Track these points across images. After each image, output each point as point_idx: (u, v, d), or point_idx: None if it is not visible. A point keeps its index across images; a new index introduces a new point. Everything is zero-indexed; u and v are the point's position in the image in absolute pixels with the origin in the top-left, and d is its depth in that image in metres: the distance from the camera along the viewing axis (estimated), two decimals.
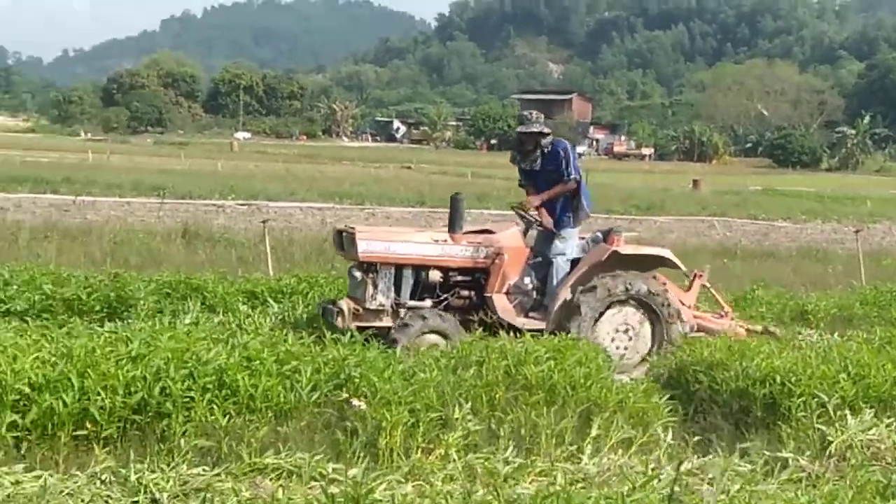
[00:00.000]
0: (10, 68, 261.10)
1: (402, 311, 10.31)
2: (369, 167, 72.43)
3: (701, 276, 11.62)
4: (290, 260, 16.98)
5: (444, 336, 9.90)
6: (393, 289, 10.41)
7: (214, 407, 6.83)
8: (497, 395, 7.70)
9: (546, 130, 10.92)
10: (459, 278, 10.68)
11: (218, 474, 6.11)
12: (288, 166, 67.27)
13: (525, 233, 11.07)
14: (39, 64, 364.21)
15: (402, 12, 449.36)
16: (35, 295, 10.74)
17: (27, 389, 6.47)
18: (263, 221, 18.11)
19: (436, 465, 6.56)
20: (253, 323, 10.44)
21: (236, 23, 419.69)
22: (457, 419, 7.13)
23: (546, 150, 10.89)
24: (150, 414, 6.70)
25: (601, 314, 10.43)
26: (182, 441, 6.49)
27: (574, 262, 10.84)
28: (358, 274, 10.38)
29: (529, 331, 10.10)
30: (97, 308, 10.85)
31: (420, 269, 10.51)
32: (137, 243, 17.74)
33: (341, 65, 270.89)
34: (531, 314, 10.63)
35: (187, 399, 6.79)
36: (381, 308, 10.34)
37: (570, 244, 10.92)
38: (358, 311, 10.21)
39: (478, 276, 10.69)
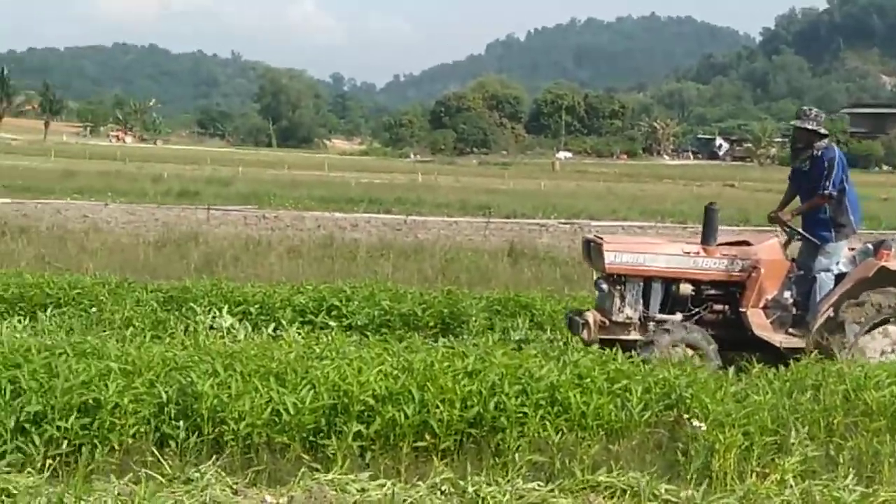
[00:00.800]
0: (345, 94, 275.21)
1: (651, 325, 10.07)
2: (691, 185, 71.35)
3: None
4: None
5: (697, 351, 9.57)
6: (641, 301, 10.18)
7: (547, 423, 6.93)
8: (835, 421, 7.40)
9: (822, 132, 10.35)
10: (712, 292, 10.29)
11: (552, 490, 6.21)
12: (609, 185, 67.40)
13: (785, 245, 10.57)
14: (373, 89, 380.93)
15: (726, 27, 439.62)
16: (374, 310, 11.25)
17: (371, 401, 6.79)
18: None
19: (772, 490, 6.38)
20: (581, 340, 10.53)
21: (558, 44, 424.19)
22: (793, 444, 6.93)
23: (816, 154, 10.34)
24: (485, 428, 6.88)
25: (868, 332, 9.79)
26: (516, 455, 6.61)
27: (840, 277, 10.21)
28: (605, 286, 10.19)
29: (787, 349, 9.72)
30: (431, 323, 11.23)
31: (670, 281, 10.21)
32: (466, 261, 18.22)
33: (662, 82, 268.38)
34: (790, 331, 10.08)
35: (521, 414, 6.92)
36: (628, 321, 10.13)
37: (834, 259, 10.28)
38: (604, 323, 10.05)
39: (732, 290, 10.26)
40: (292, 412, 6.59)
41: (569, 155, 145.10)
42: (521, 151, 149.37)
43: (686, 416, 7.11)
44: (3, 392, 6.42)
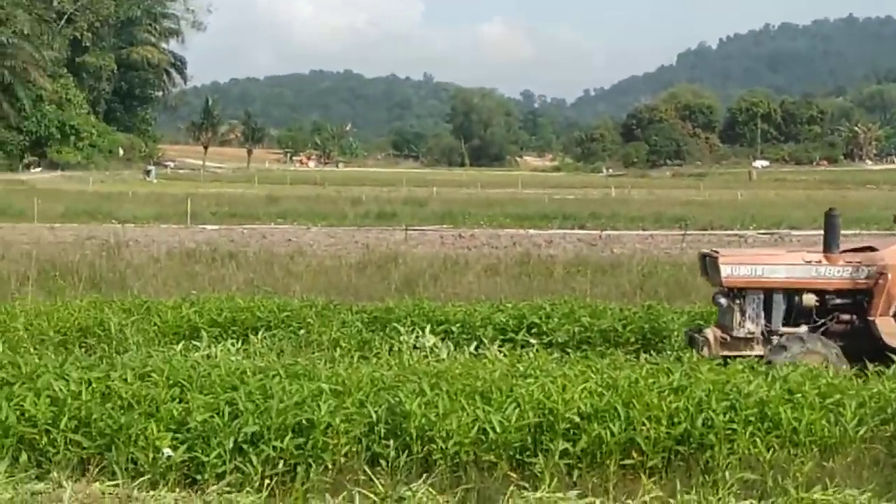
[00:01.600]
0: (536, 111, 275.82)
1: (775, 339, 9.69)
2: None
3: None
4: None
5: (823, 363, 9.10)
6: (763, 315, 9.83)
7: (757, 439, 6.82)
8: None
9: None
10: (838, 301, 9.89)
11: None
12: (809, 193, 65.63)
13: None
14: (563, 105, 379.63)
15: None
16: (574, 327, 11.21)
17: (577, 419, 6.80)
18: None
19: None
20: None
21: (751, 50, 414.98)
22: None
23: None
24: (693, 445, 6.80)
25: None
26: (727, 473, 6.51)
27: None
28: (723, 300, 9.90)
29: None
30: (632, 339, 11.13)
31: (792, 292, 9.85)
32: (664, 275, 17.98)
33: (863, 85, 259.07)
34: None
35: (729, 431, 6.83)
36: (750, 336, 9.79)
37: None
38: (725, 339, 9.76)
39: (859, 299, 9.82)
40: (499, 430, 6.67)
41: (766, 163, 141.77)
42: (716, 161, 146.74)
43: None
44: (221, 413, 6.69)
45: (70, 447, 6.61)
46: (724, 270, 9.84)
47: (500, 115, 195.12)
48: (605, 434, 6.70)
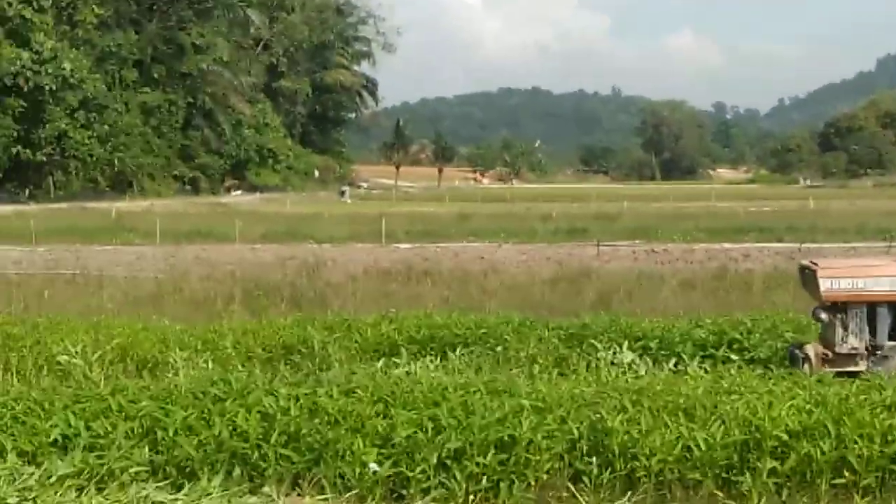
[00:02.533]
0: (728, 122, 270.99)
1: (880, 354, 9.17)
2: None
3: None
4: None
5: None
6: (867, 329, 9.28)
7: None
8: None
9: None
10: None
11: None
12: None
13: None
14: (756, 115, 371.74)
15: None
16: (777, 343, 10.93)
17: (784, 436, 6.64)
18: None
19: None
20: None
21: None
22: None
23: None
24: None
25: None
26: None
27: None
28: (824, 315, 9.43)
29: None
30: None
31: None
32: None
33: None
34: None
35: None
36: (853, 351, 9.27)
37: None
38: (827, 355, 9.27)
39: None
40: (703, 448, 6.57)
41: None
42: None
43: None
44: (425, 429, 6.78)
45: (280, 462, 6.80)
46: (824, 284, 9.45)
47: (691, 128, 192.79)
48: (815, 452, 6.53)
